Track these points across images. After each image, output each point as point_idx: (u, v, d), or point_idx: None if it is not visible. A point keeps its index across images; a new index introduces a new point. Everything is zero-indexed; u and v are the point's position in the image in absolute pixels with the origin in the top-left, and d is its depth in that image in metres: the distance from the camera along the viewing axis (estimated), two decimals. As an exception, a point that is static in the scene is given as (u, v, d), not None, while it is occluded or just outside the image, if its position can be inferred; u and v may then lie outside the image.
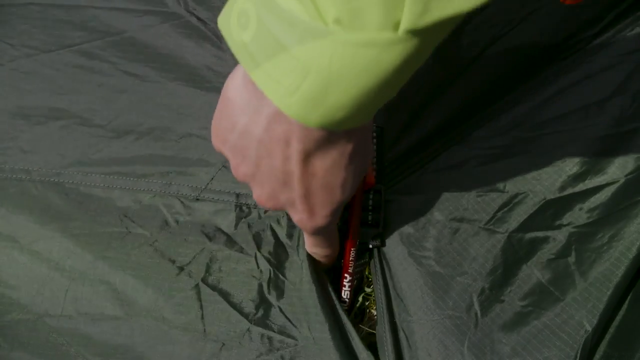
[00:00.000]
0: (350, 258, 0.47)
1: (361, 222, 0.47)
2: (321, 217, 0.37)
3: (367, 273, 0.55)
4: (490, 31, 0.48)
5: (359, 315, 0.56)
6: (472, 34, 0.48)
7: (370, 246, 0.48)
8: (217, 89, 0.47)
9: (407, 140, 0.48)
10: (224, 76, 0.45)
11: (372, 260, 0.49)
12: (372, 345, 0.53)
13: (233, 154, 0.36)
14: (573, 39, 0.49)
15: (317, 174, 0.34)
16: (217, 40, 0.49)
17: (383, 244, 0.48)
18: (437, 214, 0.48)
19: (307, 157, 0.33)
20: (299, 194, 0.35)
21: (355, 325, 0.54)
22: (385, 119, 0.47)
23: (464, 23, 0.47)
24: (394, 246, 0.48)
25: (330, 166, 0.34)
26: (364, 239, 0.48)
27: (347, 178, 0.35)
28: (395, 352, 0.45)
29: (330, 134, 0.32)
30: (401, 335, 0.46)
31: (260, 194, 0.37)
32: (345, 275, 0.48)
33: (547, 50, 0.48)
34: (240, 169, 0.36)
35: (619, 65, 0.48)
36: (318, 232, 0.40)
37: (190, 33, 0.49)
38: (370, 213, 0.47)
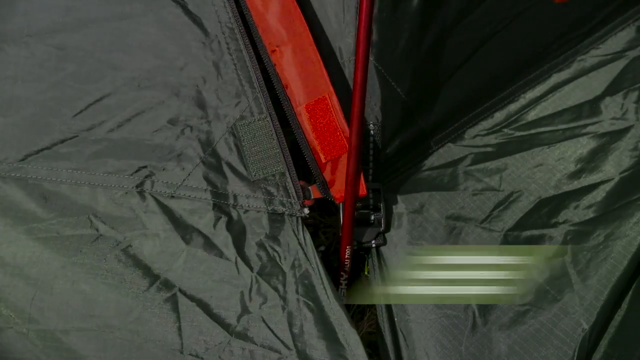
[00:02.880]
0: (346, 256, 0.47)
1: (363, 222, 0.47)
2: None
3: (366, 273, 0.55)
4: (483, 29, 0.48)
5: (358, 314, 0.56)
6: (465, 33, 0.48)
7: (374, 245, 0.48)
8: (192, 85, 0.45)
9: (402, 137, 0.48)
10: (198, 74, 0.44)
11: (371, 259, 0.49)
12: (372, 344, 0.54)
13: None
14: (564, 37, 0.49)
15: None
16: (201, 34, 0.46)
17: (385, 242, 0.48)
18: (433, 212, 0.48)
19: None
20: None
21: (355, 324, 0.54)
22: (381, 116, 0.47)
23: (456, 21, 0.47)
24: (391, 245, 0.48)
25: None
26: (367, 238, 0.48)
27: None
28: (394, 351, 0.45)
29: None
30: (399, 334, 0.46)
31: None
32: (342, 273, 0.48)
33: (539, 48, 0.49)
34: None
35: (610, 64, 0.48)
36: None
37: (173, 22, 0.45)
38: (372, 213, 0.47)
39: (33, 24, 0.45)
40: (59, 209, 0.43)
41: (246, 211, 0.44)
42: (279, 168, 0.44)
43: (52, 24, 0.45)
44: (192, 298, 0.42)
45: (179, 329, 0.41)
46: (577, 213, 0.47)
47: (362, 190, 0.45)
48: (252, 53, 0.44)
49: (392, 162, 0.48)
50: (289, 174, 0.44)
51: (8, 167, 0.43)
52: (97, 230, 0.42)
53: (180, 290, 0.42)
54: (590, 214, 0.47)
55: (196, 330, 0.41)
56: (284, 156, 0.44)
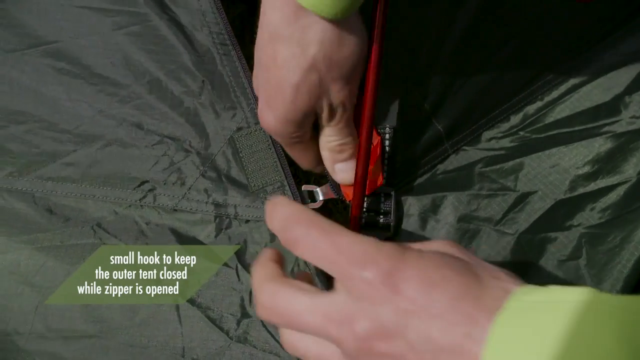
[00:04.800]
0: None
1: (371, 225, 0.47)
2: (270, 118, 0.38)
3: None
4: (502, 30, 0.46)
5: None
6: (484, 34, 0.46)
7: None
8: (187, 99, 0.45)
9: (419, 142, 0.47)
10: (193, 87, 0.44)
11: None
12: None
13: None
14: (584, 38, 0.47)
15: (276, 59, 0.35)
16: (194, 47, 0.46)
17: None
18: (446, 215, 0.47)
19: (274, 32, 0.35)
20: (261, 80, 0.37)
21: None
22: (398, 121, 0.46)
23: (477, 22, 0.46)
24: (403, 248, 0.47)
25: (288, 56, 0.35)
26: None
27: (299, 84, 0.36)
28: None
29: (300, 17, 0.34)
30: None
31: (254, 73, 0.40)
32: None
33: (558, 49, 0.47)
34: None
35: (630, 64, 0.47)
36: (283, 142, 0.41)
37: (166, 35, 0.46)
38: (381, 216, 0.46)
39: (30, 36, 0.45)
40: (63, 219, 0.44)
41: (247, 221, 0.45)
42: (277, 177, 0.45)
43: (49, 37, 0.45)
44: (193, 303, 0.43)
45: (181, 333, 0.43)
46: (593, 215, 0.46)
47: (379, 179, 0.45)
48: (245, 64, 0.44)
49: (407, 166, 0.47)
50: (287, 182, 0.45)
51: (13, 181, 0.44)
52: (100, 239, 0.44)
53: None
54: (606, 217, 0.46)
55: (197, 334, 0.43)
56: (281, 165, 0.45)
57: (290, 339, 0.31)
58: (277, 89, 0.36)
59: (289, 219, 0.29)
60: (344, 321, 0.27)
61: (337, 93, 0.38)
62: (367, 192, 0.44)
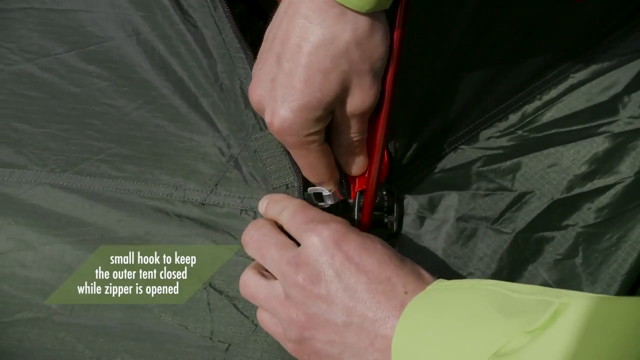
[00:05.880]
0: None
1: (376, 223, 0.48)
2: (285, 111, 0.37)
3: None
4: (500, 29, 0.47)
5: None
6: (483, 32, 0.47)
7: None
8: (208, 100, 0.48)
9: (415, 140, 0.48)
10: (212, 89, 0.48)
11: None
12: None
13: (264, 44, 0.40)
14: (583, 37, 0.47)
15: (302, 48, 0.36)
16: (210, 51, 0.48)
17: (394, 245, 0.48)
18: (443, 214, 0.48)
19: (303, 21, 0.35)
20: (280, 78, 0.37)
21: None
22: (394, 118, 0.46)
23: (474, 20, 0.46)
24: (400, 246, 0.48)
25: (318, 43, 0.35)
26: None
27: (329, 70, 0.36)
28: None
29: (332, 6, 0.34)
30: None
31: (257, 77, 0.39)
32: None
33: (557, 48, 0.47)
34: (261, 55, 0.40)
35: (629, 64, 0.47)
36: (294, 144, 0.40)
37: (187, 41, 0.48)
38: (385, 215, 0.47)
39: (62, 42, 0.49)
40: (100, 214, 0.48)
41: None
42: (291, 178, 0.47)
43: (80, 42, 0.49)
44: (220, 292, 0.47)
45: (210, 318, 0.47)
46: (589, 215, 0.47)
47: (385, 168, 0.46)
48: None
49: (404, 165, 0.48)
50: (297, 184, 0.46)
51: (54, 177, 0.48)
52: (135, 233, 0.48)
53: (210, 284, 0.47)
54: (603, 216, 0.46)
55: (224, 320, 0.47)
56: (293, 167, 0.46)
57: (248, 282, 0.41)
58: (301, 77, 0.36)
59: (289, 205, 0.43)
60: (293, 261, 0.38)
61: (367, 91, 0.38)
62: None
